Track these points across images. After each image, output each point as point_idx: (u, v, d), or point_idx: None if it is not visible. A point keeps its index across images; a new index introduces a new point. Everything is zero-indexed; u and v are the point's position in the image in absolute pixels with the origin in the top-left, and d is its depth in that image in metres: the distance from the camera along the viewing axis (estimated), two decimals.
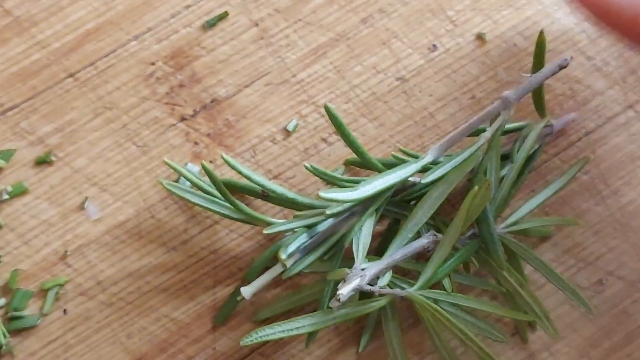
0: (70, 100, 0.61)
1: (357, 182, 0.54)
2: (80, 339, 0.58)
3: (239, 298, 0.56)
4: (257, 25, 0.63)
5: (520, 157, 0.57)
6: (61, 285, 0.58)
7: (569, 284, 0.57)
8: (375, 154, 0.60)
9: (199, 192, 0.57)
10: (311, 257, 0.55)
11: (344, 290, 0.52)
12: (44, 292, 0.59)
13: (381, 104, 0.62)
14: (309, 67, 0.63)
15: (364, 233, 0.55)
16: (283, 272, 0.55)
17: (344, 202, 0.53)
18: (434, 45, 0.63)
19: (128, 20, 0.62)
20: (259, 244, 0.60)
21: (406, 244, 0.55)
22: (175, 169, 0.57)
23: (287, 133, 0.61)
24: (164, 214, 0.60)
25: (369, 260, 0.55)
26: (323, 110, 0.62)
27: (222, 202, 0.56)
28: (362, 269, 0.54)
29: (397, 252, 0.55)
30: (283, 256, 0.53)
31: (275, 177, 0.61)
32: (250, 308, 0.59)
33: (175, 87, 0.62)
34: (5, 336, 0.57)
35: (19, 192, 0.59)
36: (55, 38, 0.62)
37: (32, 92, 0.61)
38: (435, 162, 0.56)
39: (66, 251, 0.59)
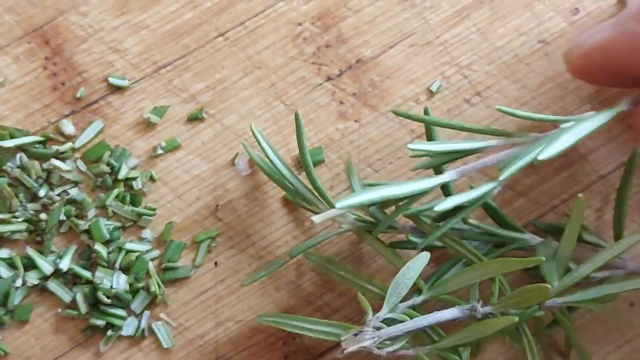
0: (221, 59, 0.55)
1: None
2: (230, 290, 0.53)
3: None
4: None
5: None
6: (212, 238, 0.53)
7: None
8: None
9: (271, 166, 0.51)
10: None
11: (350, 347, 0.45)
12: (196, 244, 0.53)
13: (523, 66, 0.55)
14: (452, 29, 0.56)
15: (405, 277, 0.47)
16: None
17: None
18: (576, 9, 0.56)
19: None
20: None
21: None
22: (256, 138, 0.52)
23: (431, 94, 0.55)
24: None
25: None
26: (466, 72, 0.55)
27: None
28: (377, 328, 0.46)
29: (425, 318, 0.47)
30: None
31: (417, 137, 0.54)
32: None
33: (322, 48, 0.55)
34: (160, 286, 0.51)
35: (173, 147, 0.54)
36: None
37: (185, 50, 0.55)
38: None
39: (217, 205, 0.53)
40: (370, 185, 0.51)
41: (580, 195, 0.45)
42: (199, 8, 0.55)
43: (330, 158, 0.53)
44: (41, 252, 0.51)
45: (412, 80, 0.54)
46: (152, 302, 0.52)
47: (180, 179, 0.53)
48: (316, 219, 0.46)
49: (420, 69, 0.55)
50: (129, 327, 0.51)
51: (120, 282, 0.51)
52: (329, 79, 0.54)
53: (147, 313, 0.51)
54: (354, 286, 0.49)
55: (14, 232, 0.51)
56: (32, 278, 0.51)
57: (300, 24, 0.55)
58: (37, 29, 0.54)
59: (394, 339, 0.45)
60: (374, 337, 0.45)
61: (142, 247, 0.52)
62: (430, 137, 0.49)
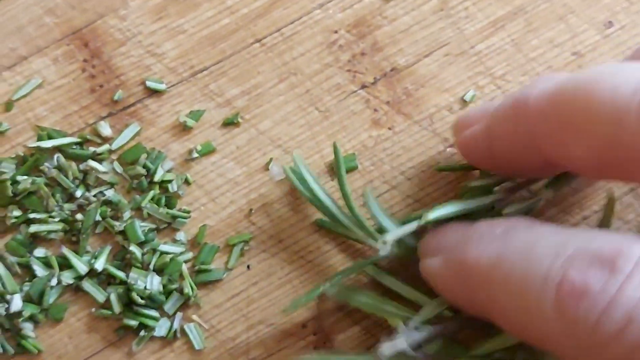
0: (257, 65, 0.55)
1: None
2: (262, 293, 0.52)
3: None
4: None
5: None
6: (246, 242, 0.52)
7: None
8: None
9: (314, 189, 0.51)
10: None
11: (386, 351, 0.45)
12: (229, 247, 0.53)
13: None
14: (487, 39, 0.55)
15: None
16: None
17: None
18: (610, 22, 0.56)
19: None
20: None
21: None
22: (298, 169, 0.52)
23: (464, 103, 0.55)
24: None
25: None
26: (500, 82, 0.54)
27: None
28: (417, 328, 0.46)
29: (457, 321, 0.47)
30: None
31: (451, 146, 0.54)
32: None
33: (357, 55, 0.55)
34: (193, 288, 0.51)
35: (208, 151, 0.53)
36: (244, 4, 0.56)
37: (221, 55, 0.55)
38: None
39: (251, 209, 0.53)
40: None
41: (610, 191, 0.45)
42: (236, 14, 0.55)
43: (364, 165, 0.53)
44: (76, 252, 0.51)
45: (446, 89, 0.54)
46: (185, 304, 0.52)
47: (215, 182, 0.53)
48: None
49: (454, 79, 0.55)
50: (161, 328, 0.51)
51: (154, 283, 0.51)
52: (363, 86, 0.54)
53: (179, 314, 0.51)
54: (377, 312, 0.49)
55: (50, 231, 0.51)
56: (67, 277, 0.51)
57: (336, 32, 0.55)
58: (76, 31, 0.54)
59: (429, 341, 0.45)
60: (411, 340, 0.45)
61: (176, 249, 0.52)
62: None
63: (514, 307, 0.40)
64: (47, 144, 0.52)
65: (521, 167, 0.44)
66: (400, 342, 0.45)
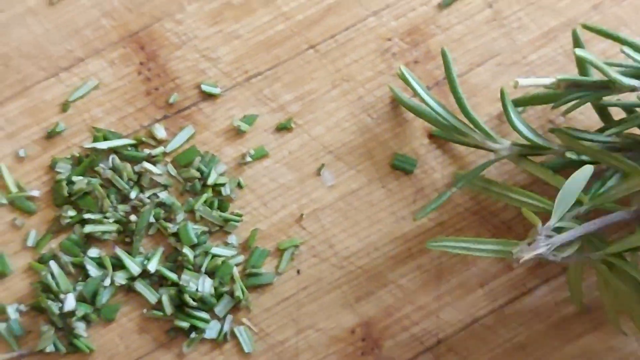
0: (311, 71, 0.55)
1: None
2: (312, 298, 0.52)
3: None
4: (491, 6, 0.55)
5: None
6: (296, 247, 0.52)
7: None
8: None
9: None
10: None
11: (525, 254, 0.44)
12: (279, 252, 0.53)
13: None
14: (539, 50, 0.55)
15: (570, 189, 0.45)
16: None
17: None
18: None
19: None
20: (483, 218, 0.52)
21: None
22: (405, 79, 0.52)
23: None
24: (394, 185, 0.53)
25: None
26: None
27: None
28: (550, 236, 0.45)
29: (594, 222, 0.47)
30: None
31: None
32: (476, 279, 0.54)
33: (410, 63, 0.55)
34: (243, 292, 0.51)
35: (261, 155, 0.53)
36: (299, 11, 0.55)
37: (276, 61, 0.55)
38: None
39: (302, 214, 0.53)
40: None
41: None
42: (291, 20, 0.55)
43: (415, 172, 0.53)
44: (130, 253, 0.51)
45: (497, 98, 0.53)
46: (236, 307, 0.52)
47: (267, 186, 0.53)
48: (522, 81, 0.46)
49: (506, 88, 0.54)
50: (212, 330, 0.51)
51: (205, 285, 0.51)
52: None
53: (230, 317, 0.51)
54: (514, 202, 0.49)
55: (104, 232, 0.51)
56: (120, 278, 0.51)
57: (389, 39, 0.54)
58: (132, 34, 0.54)
59: (566, 245, 0.45)
60: (547, 245, 0.45)
61: (228, 252, 0.51)
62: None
63: None
64: (103, 145, 0.52)
65: None
66: (539, 245, 0.44)
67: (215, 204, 0.52)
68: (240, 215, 0.52)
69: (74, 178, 0.52)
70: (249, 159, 0.53)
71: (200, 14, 0.55)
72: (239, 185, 0.53)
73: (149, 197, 0.52)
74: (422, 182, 0.53)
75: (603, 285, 0.47)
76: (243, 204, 0.53)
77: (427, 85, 0.54)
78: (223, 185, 0.52)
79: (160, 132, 0.53)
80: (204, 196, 0.52)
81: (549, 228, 0.44)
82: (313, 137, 0.54)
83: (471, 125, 0.50)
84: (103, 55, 0.54)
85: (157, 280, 0.52)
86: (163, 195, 0.52)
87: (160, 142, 0.53)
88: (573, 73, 0.50)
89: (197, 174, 0.52)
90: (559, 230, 0.45)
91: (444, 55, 0.48)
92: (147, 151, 0.53)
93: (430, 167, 0.53)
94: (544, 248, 0.44)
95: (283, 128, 0.54)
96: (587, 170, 0.45)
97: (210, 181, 0.52)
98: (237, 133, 0.54)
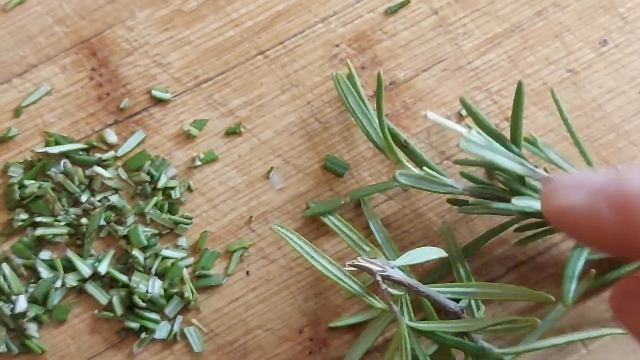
0: (260, 76, 0.55)
1: None
2: (260, 299, 0.53)
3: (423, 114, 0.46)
4: (436, 13, 0.56)
5: None
6: (245, 248, 0.53)
7: None
8: (545, 142, 0.53)
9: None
10: None
11: (359, 262, 0.46)
12: (229, 253, 0.54)
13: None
14: (484, 55, 0.56)
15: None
16: None
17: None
18: (605, 40, 0.56)
19: (316, 3, 0.56)
20: (429, 219, 0.53)
21: None
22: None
23: (461, 117, 0.55)
24: (341, 188, 0.54)
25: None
26: (496, 97, 0.55)
27: None
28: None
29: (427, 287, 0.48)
30: None
31: (447, 159, 0.54)
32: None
33: (357, 69, 0.55)
34: (193, 293, 0.52)
35: (210, 159, 0.54)
36: (249, 17, 0.56)
37: (225, 66, 0.55)
38: None
39: (251, 217, 0.54)
40: None
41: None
42: (241, 27, 0.55)
43: (362, 175, 0.54)
44: (81, 256, 0.52)
45: (443, 103, 0.54)
46: (185, 308, 0.52)
47: (216, 190, 0.54)
48: (431, 115, 0.44)
49: (452, 93, 0.55)
50: (162, 330, 0.51)
51: (155, 287, 0.51)
52: None
53: (179, 318, 0.52)
54: (347, 241, 0.51)
55: (55, 235, 0.52)
56: (71, 280, 0.51)
57: (337, 46, 0.55)
58: (84, 41, 0.55)
59: (397, 284, 0.46)
60: (383, 268, 0.46)
61: (178, 254, 0.52)
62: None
63: None
64: (55, 149, 0.53)
65: None
66: (378, 262, 0.47)
67: (166, 207, 0.53)
68: (190, 218, 0.53)
69: (26, 182, 0.53)
70: (198, 162, 0.54)
71: (151, 20, 0.55)
72: (189, 189, 0.53)
73: (99, 201, 0.53)
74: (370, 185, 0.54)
75: None
76: (193, 207, 0.54)
77: (374, 90, 0.55)
78: (173, 188, 0.53)
79: (111, 136, 0.54)
80: (154, 199, 0.52)
81: (390, 263, 0.46)
82: (262, 141, 0.54)
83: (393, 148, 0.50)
84: (55, 61, 0.55)
85: (108, 282, 0.52)
86: (114, 199, 0.53)
87: (111, 147, 0.54)
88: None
89: (148, 178, 0.53)
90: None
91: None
92: (98, 155, 0.53)
93: (377, 170, 0.54)
94: (379, 268, 0.46)
95: (232, 132, 0.54)
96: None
97: (160, 185, 0.53)
98: (187, 137, 0.54)
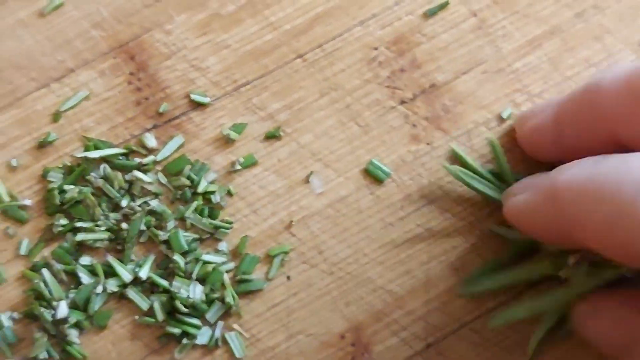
0: (299, 80, 0.54)
1: None
2: (302, 304, 0.52)
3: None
4: (475, 15, 0.55)
5: None
6: (286, 253, 0.52)
7: None
8: None
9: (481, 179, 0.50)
10: None
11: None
12: (270, 258, 0.53)
13: None
14: (524, 58, 0.55)
15: None
16: None
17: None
18: None
19: (355, 6, 0.55)
20: (471, 224, 0.52)
21: None
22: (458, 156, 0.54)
23: (502, 120, 0.54)
24: (382, 192, 0.53)
25: None
26: (537, 100, 0.54)
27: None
28: None
29: None
30: None
31: (488, 162, 0.53)
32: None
33: (396, 72, 0.55)
34: (234, 298, 0.51)
35: (250, 163, 0.53)
36: (287, 20, 0.55)
37: (264, 70, 0.55)
38: None
39: (291, 221, 0.53)
40: None
41: None
42: (279, 30, 0.55)
43: (402, 179, 0.53)
44: (121, 261, 0.51)
45: (483, 106, 0.54)
46: (226, 313, 0.52)
47: (256, 194, 0.53)
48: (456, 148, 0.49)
49: (492, 96, 0.54)
50: (203, 336, 0.51)
51: (196, 292, 0.50)
52: (402, 102, 0.54)
53: (221, 323, 0.51)
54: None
55: (95, 240, 0.51)
56: (112, 285, 0.51)
57: (375, 48, 0.54)
58: (122, 45, 0.55)
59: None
60: None
61: (218, 259, 0.51)
62: (499, 166, 0.52)
63: (607, 220, 0.39)
64: (94, 154, 0.52)
65: (591, 154, 0.43)
66: None
67: (206, 211, 0.52)
68: (230, 223, 0.52)
69: (66, 187, 0.52)
70: (238, 167, 0.53)
71: (189, 24, 0.55)
72: (229, 193, 0.53)
73: (139, 206, 0.52)
74: (410, 189, 0.53)
75: None
76: (233, 212, 0.53)
77: (414, 93, 0.54)
78: (213, 193, 0.52)
79: (150, 141, 0.53)
80: (194, 204, 0.52)
81: None
82: (302, 145, 0.54)
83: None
84: (93, 66, 0.54)
85: (149, 288, 0.52)
86: (154, 204, 0.52)
87: (150, 151, 0.53)
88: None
89: (188, 182, 0.52)
90: None
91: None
92: (137, 160, 0.53)
93: (418, 174, 0.53)
94: None
95: (272, 136, 0.54)
96: None
97: (200, 189, 0.52)
98: (227, 142, 0.54)
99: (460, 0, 0.56)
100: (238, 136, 0.54)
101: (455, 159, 0.53)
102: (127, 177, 0.53)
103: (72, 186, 0.52)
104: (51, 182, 0.52)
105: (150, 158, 0.53)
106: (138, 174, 0.52)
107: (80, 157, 0.53)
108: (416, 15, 0.56)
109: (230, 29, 0.55)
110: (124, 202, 0.52)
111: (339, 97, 0.55)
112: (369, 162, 0.53)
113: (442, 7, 0.56)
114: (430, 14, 0.56)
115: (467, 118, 0.54)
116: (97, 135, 0.54)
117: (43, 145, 0.53)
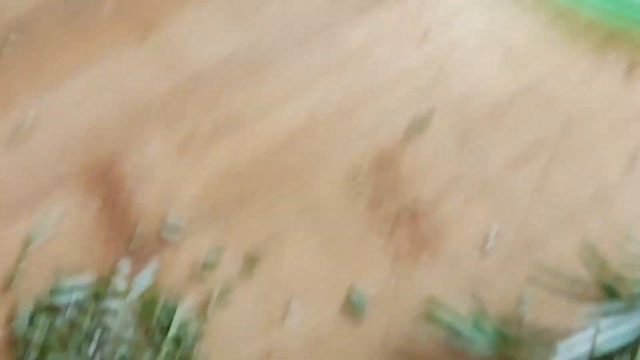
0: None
1: None
2: None
3: None
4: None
5: None
6: None
7: None
8: None
9: None
10: None
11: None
12: None
13: None
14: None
15: None
16: None
17: None
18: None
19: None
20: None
21: None
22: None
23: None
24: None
25: None
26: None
27: None
28: None
29: None
30: None
31: None
32: None
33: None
34: None
35: (225, 296, 0.53)
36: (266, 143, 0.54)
37: (243, 195, 0.55)
38: None
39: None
40: None
41: None
42: (257, 151, 0.56)
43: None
44: None
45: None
46: None
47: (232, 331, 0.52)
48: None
49: (480, 213, 0.54)
50: None
51: None
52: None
53: None
54: None
55: None
56: None
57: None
58: (95, 166, 0.55)
59: None
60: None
61: None
62: None
63: None
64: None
65: None
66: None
67: (178, 353, 0.50)
68: None
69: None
70: (213, 301, 0.52)
71: (165, 145, 0.55)
72: (201, 332, 0.51)
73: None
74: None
75: None
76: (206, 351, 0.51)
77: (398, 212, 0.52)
78: (185, 335, 0.50)
79: (124, 268, 0.51)
80: (165, 351, 0.50)
81: None
82: (279, 278, 0.53)
83: None
84: (65, 190, 0.55)
85: None
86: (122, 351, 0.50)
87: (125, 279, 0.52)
88: None
89: (157, 327, 0.50)
90: None
91: None
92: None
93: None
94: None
95: (250, 266, 0.52)
96: None
97: (171, 333, 0.50)
98: (203, 268, 0.53)
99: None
100: (214, 265, 0.52)
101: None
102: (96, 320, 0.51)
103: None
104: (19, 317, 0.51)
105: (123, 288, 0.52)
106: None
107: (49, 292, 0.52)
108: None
109: (209, 153, 0.55)
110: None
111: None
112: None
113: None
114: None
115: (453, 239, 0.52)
116: (68, 262, 0.53)
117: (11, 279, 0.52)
